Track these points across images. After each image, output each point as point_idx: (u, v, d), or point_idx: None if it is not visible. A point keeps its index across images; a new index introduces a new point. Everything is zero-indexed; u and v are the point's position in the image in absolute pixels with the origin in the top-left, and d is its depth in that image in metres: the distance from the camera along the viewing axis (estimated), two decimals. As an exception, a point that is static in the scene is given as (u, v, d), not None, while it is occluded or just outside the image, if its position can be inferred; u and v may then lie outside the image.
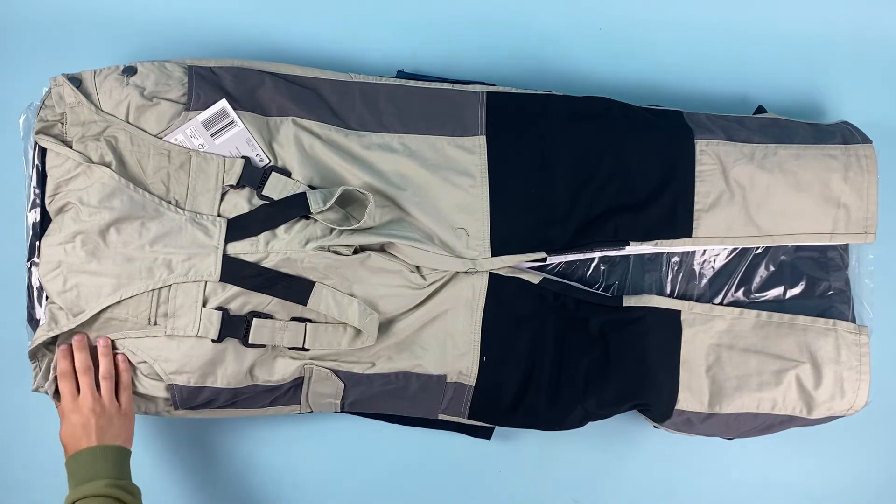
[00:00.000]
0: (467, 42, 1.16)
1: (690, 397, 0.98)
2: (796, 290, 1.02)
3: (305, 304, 0.94)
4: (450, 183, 0.97)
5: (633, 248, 1.00)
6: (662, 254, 1.02)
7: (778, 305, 1.02)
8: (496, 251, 0.97)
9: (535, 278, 0.99)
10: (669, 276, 1.02)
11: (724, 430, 1.02)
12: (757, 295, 1.02)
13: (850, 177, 0.98)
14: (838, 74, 1.17)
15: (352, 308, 0.94)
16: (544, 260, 0.99)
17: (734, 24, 1.16)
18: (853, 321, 1.01)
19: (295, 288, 0.94)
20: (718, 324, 0.99)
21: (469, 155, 0.97)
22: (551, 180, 0.97)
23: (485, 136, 0.97)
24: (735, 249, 1.02)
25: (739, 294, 1.02)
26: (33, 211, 0.99)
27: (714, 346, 0.99)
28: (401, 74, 1.05)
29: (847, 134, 1.01)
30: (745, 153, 0.98)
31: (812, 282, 1.02)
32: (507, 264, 0.98)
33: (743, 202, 0.98)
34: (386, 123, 0.98)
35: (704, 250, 1.02)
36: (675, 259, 1.02)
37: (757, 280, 1.02)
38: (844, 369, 0.98)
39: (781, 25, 1.17)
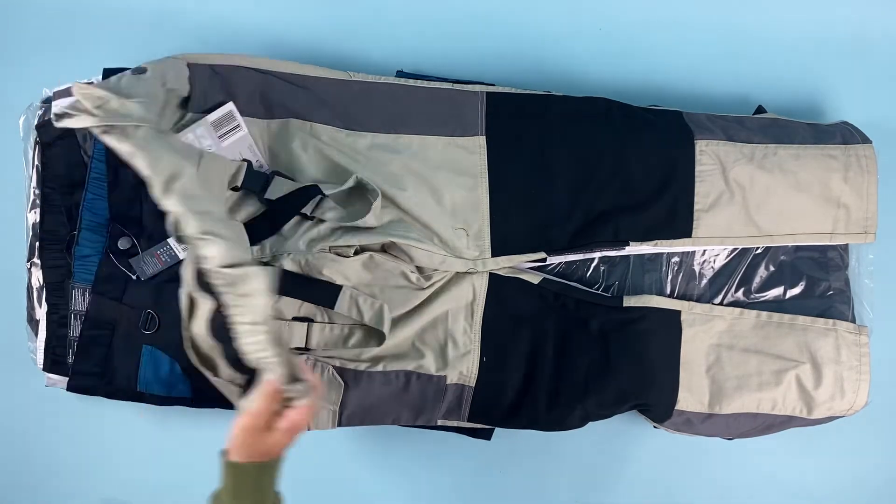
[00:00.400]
0: (467, 42, 1.16)
1: (690, 397, 0.98)
2: (796, 290, 1.02)
3: (333, 308, 0.94)
4: (450, 183, 0.97)
5: (633, 249, 0.99)
6: (662, 254, 1.02)
7: (778, 305, 1.02)
8: (496, 251, 0.97)
9: (535, 278, 0.99)
10: (669, 277, 1.02)
11: (723, 431, 1.02)
12: (757, 295, 1.02)
13: (850, 177, 0.98)
14: (838, 74, 1.17)
15: (375, 310, 0.94)
16: (544, 260, 0.99)
17: (734, 25, 1.16)
18: (853, 321, 1.01)
19: (323, 292, 0.94)
20: (718, 324, 0.99)
21: (469, 155, 0.97)
22: (551, 180, 0.97)
23: (485, 137, 0.97)
24: (735, 249, 1.02)
25: (739, 294, 1.02)
26: (33, 211, 0.99)
27: (714, 346, 0.99)
28: (401, 74, 1.05)
29: (847, 134, 1.01)
30: (745, 153, 0.98)
31: (812, 282, 1.02)
32: (507, 264, 0.98)
33: (743, 202, 0.98)
34: (386, 123, 0.98)
35: (704, 250, 1.02)
36: (675, 259, 1.02)
37: (757, 280, 1.02)
38: (844, 369, 0.98)
39: (781, 25, 1.17)
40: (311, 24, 1.15)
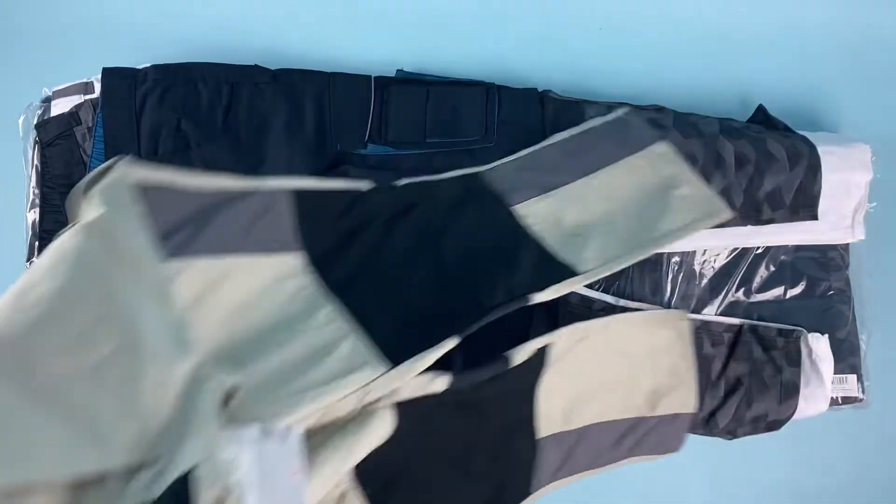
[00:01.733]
0: (467, 42, 1.16)
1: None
2: (796, 290, 1.02)
3: None
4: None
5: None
6: (662, 254, 1.02)
7: (778, 305, 1.02)
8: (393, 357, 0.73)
9: (441, 384, 0.75)
10: (670, 277, 1.02)
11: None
12: (757, 295, 1.02)
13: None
14: (838, 75, 1.17)
15: None
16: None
17: (734, 25, 1.17)
18: (854, 321, 1.01)
19: None
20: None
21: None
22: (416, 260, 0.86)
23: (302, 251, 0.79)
24: (735, 249, 1.02)
25: (740, 294, 1.02)
26: (33, 211, 0.99)
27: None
28: (400, 74, 1.05)
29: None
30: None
31: (812, 282, 1.02)
32: (412, 374, 0.72)
33: None
34: None
35: (705, 250, 1.02)
36: (676, 259, 1.02)
37: (757, 280, 1.02)
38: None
39: (782, 25, 1.17)
40: (311, 25, 1.15)
